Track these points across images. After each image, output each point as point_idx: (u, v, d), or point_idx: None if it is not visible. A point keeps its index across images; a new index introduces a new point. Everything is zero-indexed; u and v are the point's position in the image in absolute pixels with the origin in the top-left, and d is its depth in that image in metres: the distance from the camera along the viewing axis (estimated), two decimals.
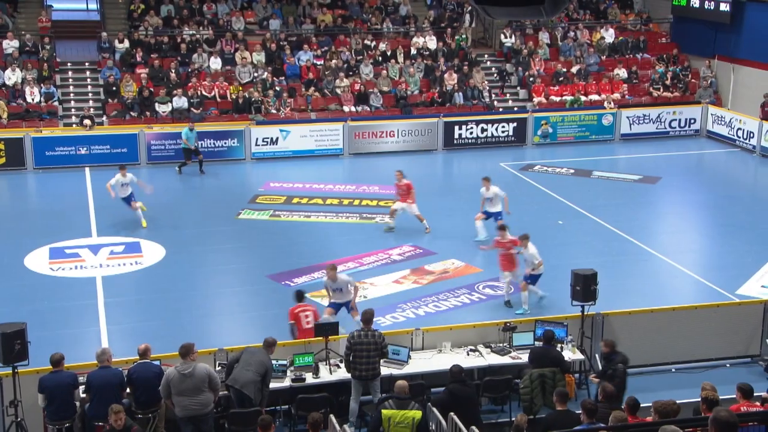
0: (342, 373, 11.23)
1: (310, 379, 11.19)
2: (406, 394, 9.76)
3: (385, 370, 11.18)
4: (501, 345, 12.11)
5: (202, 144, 23.80)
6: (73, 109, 25.91)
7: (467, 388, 10.43)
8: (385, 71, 28.25)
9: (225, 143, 24.79)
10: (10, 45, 26.11)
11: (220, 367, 10.94)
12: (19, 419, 9.90)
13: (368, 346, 10.86)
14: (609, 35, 30.81)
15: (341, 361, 11.30)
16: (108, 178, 18.89)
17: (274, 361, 10.98)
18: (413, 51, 29.12)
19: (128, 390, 10.16)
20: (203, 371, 9.94)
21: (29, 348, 10.10)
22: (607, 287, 13.23)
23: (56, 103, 25.36)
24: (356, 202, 21.11)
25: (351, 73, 28.07)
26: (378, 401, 10.47)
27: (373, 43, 29.49)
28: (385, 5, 31.24)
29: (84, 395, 9.99)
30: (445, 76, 27.95)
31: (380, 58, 28.78)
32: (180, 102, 25.70)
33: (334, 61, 28.01)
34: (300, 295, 13.01)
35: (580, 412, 9.11)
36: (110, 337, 13.52)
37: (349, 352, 10.85)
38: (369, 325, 11.09)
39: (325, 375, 11.31)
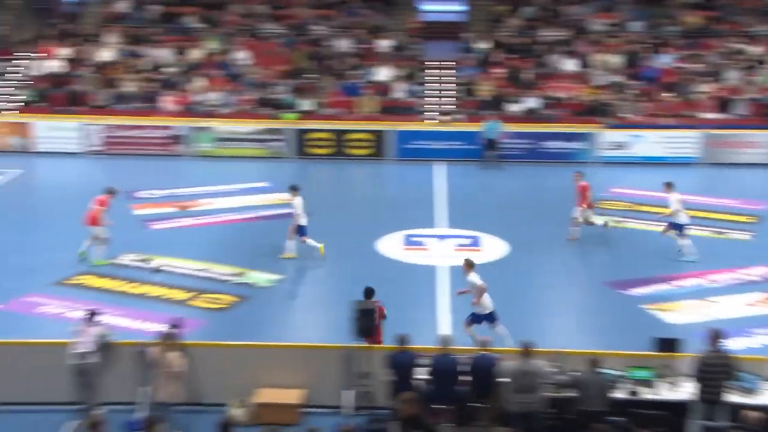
0: (682, 393, 10.69)
1: (646, 394, 10.80)
2: (757, 427, 9.07)
3: (732, 398, 10.45)
4: None
5: (545, 144, 23.88)
6: (433, 106, 27.47)
7: None
8: (754, 77, 26.14)
9: (572, 145, 24.69)
10: (384, 44, 28.34)
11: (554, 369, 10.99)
12: (368, 390, 10.79)
13: (718, 368, 10.22)
14: None
15: (682, 381, 10.75)
16: (461, 172, 19.77)
17: (608, 371, 10.79)
18: None
19: (467, 378, 10.57)
20: (541, 369, 10.07)
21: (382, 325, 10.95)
22: None
23: (419, 99, 27.08)
24: (709, 215, 19.87)
25: (715, 78, 26.39)
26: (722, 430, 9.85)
27: (744, 46, 27.41)
28: (763, 6, 28.85)
29: (425, 377, 10.59)
30: None
31: (750, 63, 26.68)
32: (531, 102, 26.07)
33: (697, 64, 26.53)
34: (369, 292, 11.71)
35: None
36: (450, 325, 14.16)
37: (699, 371, 10.29)
38: (716, 345, 10.43)
39: (664, 392, 10.84)
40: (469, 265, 13.01)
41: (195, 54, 28.00)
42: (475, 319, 12.82)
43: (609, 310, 14.74)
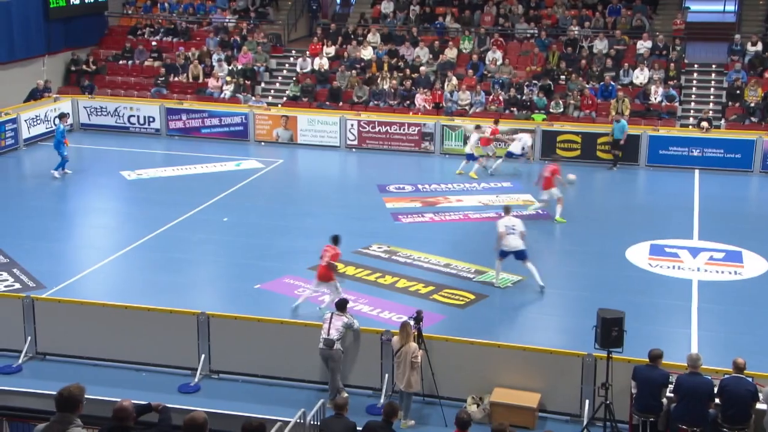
0: None
1: None
2: None
3: None
4: None
5: None
6: (692, 110, 26.02)
7: None
8: None
9: None
10: (644, 45, 27.26)
11: None
12: (608, 401, 10.49)
13: None
14: None
15: None
16: (719, 182, 18.55)
17: None
18: None
19: (717, 401, 9.97)
20: None
21: (624, 336, 10.59)
22: None
23: (677, 104, 25.77)
24: None
25: None
26: None
27: None
28: None
29: (671, 395, 10.11)
30: None
31: None
32: None
33: None
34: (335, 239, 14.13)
35: None
36: (700, 342, 13.39)
37: None
38: None
39: None
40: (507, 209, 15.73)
41: (449, 53, 28.56)
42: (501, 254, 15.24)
43: None
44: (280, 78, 29.70)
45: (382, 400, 11.55)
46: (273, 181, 22.95)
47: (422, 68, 27.96)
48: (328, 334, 11.52)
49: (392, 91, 27.44)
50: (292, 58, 30.11)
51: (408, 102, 27.13)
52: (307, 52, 29.60)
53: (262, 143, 26.39)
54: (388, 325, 13.07)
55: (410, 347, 11.06)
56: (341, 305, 11.87)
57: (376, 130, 25.86)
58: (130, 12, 32.88)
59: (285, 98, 28.42)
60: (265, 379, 12.27)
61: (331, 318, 11.70)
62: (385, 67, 28.23)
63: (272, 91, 29.26)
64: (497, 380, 11.50)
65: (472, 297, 15.10)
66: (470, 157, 22.94)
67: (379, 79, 27.85)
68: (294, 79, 28.84)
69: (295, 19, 32.74)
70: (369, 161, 25.11)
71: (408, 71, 27.90)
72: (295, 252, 17.22)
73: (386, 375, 11.68)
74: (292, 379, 12.19)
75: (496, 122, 23.98)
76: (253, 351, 12.31)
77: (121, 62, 30.19)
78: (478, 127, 23.16)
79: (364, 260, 16.76)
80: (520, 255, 15.17)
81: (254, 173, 23.23)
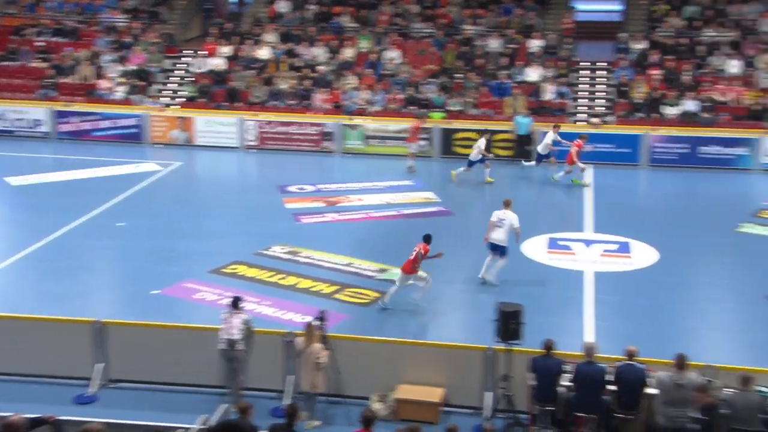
0: None
1: None
2: None
3: None
4: None
5: (703, 150, 22.98)
6: (584, 107, 26.83)
7: None
8: None
9: (732, 151, 23.52)
10: (536, 44, 27.95)
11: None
12: (509, 393, 10.70)
13: None
14: None
15: None
16: (610, 176, 19.21)
17: (765, 389, 10.21)
18: None
19: (612, 388, 10.29)
20: (695, 383, 9.66)
21: (523, 328, 10.82)
22: None
23: (568, 100, 26.53)
24: None
25: None
26: None
27: None
28: None
29: (570, 384, 10.38)
30: None
31: None
32: (689, 105, 25.01)
33: None
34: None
35: None
36: (596, 332, 13.81)
37: None
38: None
39: None
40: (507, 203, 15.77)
41: (347, 53, 28.59)
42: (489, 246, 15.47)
43: None
44: (175, 79, 29.07)
45: (285, 402, 11.45)
46: (171, 184, 22.47)
47: (321, 68, 27.89)
48: (230, 334, 11.33)
49: (291, 90, 27.26)
50: (189, 59, 29.51)
51: (307, 102, 27.01)
52: (203, 52, 29.09)
53: (159, 145, 25.79)
54: (291, 326, 12.97)
55: (314, 348, 11.01)
56: (236, 302, 11.68)
57: (276, 130, 25.66)
58: (13, 12, 31.52)
59: (181, 99, 27.85)
60: (166, 386, 11.99)
61: (229, 317, 11.50)
62: (283, 67, 28.03)
63: (168, 92, 28.62)
64: (402, 377, 11.57)
65: (376, 295, 15.15)
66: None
67: (277, 78, 27.62)
68: (192, 79, 28.29)
69: (188, 19, 32.09)
70: (269, 162, 24.88)
71: (307, 71, 27.77)
72: (194, 255, 16.90)
73: (290, 376, 11.59)
74: (193, 385, 11.96)
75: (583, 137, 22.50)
76: (153, 358, 12.02)
77: (4, 63, 28.93)
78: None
79: (265, 261, 16.59)
80: (495, 248, 15.41)
81: (151, 176, 22.68)
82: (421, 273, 14.36)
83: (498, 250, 15.43)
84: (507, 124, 24.80)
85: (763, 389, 10.17)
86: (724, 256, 17.30)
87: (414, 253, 14.27)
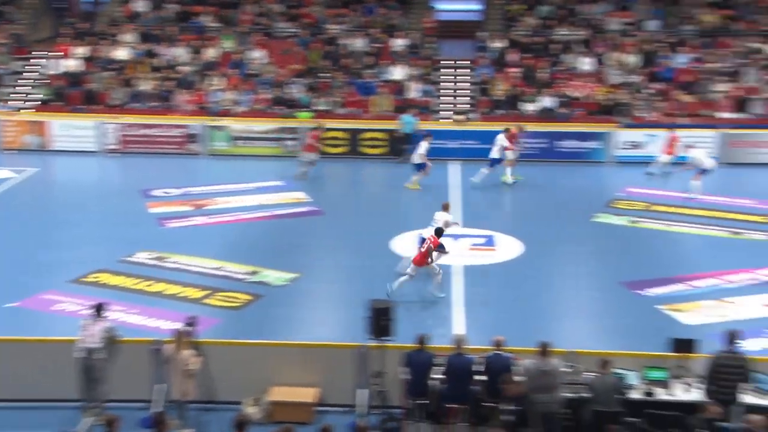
0: (696, 394, 10.63)
1: (661, 395, 10.74)
2: (763, 430, 9.02)
3: (747, 399, 10.38)
4: None
5: (561, 144, 23.92)
6: (449, 105, 27.40)
7: None
8: None
9: (588, 145, 24.61)
10: (399, 43, 28.33)
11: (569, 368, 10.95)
12: (383, 389, 10.79)
13: (732, 369, 10.16)
14: None
15: (697, 382, 10.69)
16: (476, 172, 19.66)
17: (623, 371, 10.75)
18: None
19: (482, 378, 10.54)
20: (558, 369, 10.03)
21: (394, 324, 10.93)
22: None
23: (433, 98, 27.04)
24: (726, 215, 19.75)
25: (732, 77, 26.24)
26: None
27: (762, 45, 27.25)
28: None
29: (442, 376, 10.58)
30: None
31: None
32: (546, 101, 26.01)
33: (714, 64, 26.40)
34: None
35: None
36: (465, 324, 14.14)
37: (712, 372, 10.23)
38: (732, 345, 10.39)
39: (678, 393, 10.78)
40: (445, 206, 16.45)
41: (210, 53, 28.08)
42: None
43: (625, 310, 14.68)
44: (26, 81, 27.68)
45: (154, 411, 11.11)
46: (26, 192, 21.41)
47: (183, 68, 27.27)
48: (89, 342, 10.88)
49: (152, 92, 26.52)
50: (41, 60, 28.17)
51: (170, 103, 26.35)
52: (56, 53, 27.85)
53: (11, 151, 24.52)
54: (159, 333, 12.61)
55: (184, 355, 10.74)
56: (98, 309, 11.25)
57: (138, 133, 24.90)
58: None
59: (35, 102, 26.57)
60: (26, 403, 11.41)
61: (89, 324, 11.05)
62: (144, 68, 27.22)
63: (19, 95, 27.22)
64: (275, 379, 11.48)
65: (249, 298, 14.96)
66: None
67: (137, 79, 26.81)
68: (45, 81, 27.04)
69: (38, 19, 30.60)
70: (131, 166, 24.11)
71: (168, 72, 27.09)
72: (53, 265, 16.17)
73: (159, 385, 11.26)
74: (55, 400, 11.43)
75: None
76: (9, 374, 11.41)
77: None
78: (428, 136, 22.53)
79: (130, 269, 16.07)
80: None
81: (3, 184, 21.53)
82: (433, 266, 14.87)
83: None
84: (375, 123, 25.00)
85: (620, 371, 10.70)
86: (582, 246, 18.07)
87: (425, 246, 14.75)
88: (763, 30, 28.06)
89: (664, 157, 22.75)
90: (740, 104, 25.61)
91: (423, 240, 15.41)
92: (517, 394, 10.10)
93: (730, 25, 28.52)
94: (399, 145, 24.55)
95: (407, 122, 24.51)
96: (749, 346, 12.86)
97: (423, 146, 22.11)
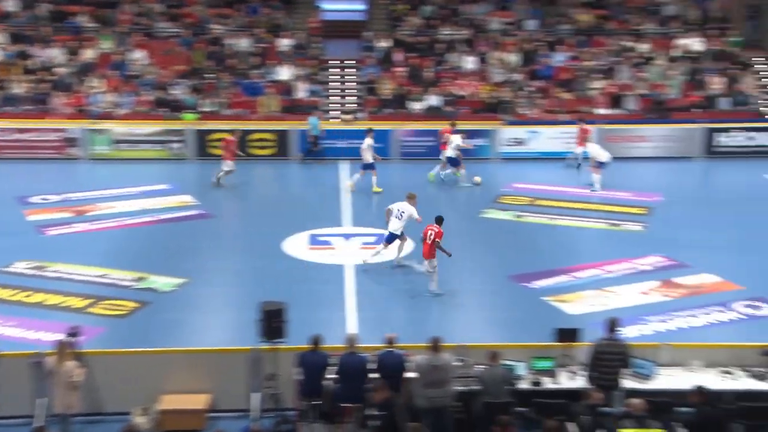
0: (581, 382, 11.00)
1: (548, 384, 11.07)
2: (643, 412, 9.45)
3: (628, 383, 10.82)
4: (761, 370, 11.26)
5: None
6: (336, 105, 27.43)
7: (718, 411, 9.84)
8: (643, 74, 27.21)
9: (474, 142, 25.09)
10: (285, 43, 28.14)
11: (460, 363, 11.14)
12: (276, 392, 10.69)
13: (613, 356, 10.57)
14: None
15: (581, 370, 11.08)
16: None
17: (512, 362, 11.03)
18: (676, 53, 27.78)
19: (375, 376, 10.57)
20: (450, 363, 10.18)
21: (287, 326, 10.85)
22: None
23: (321, 98, 27.00)
24: (604, 207, 20.55)
25: (607, 75, 27.32)
26: (614, 417, 10.18)
27: (633, 44, 28.49)
28: (649, 4, 30.08)
29: (336, 376, 10.56)
30: (711, 79, 26.39)
31: (639, 60, 27.76)
32: (433, 100, 26.38)
33: (589, 62, 27.42)
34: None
35: None
36: (357, 323, 14.18)
37: (594, 359, 10.62)
38: (613, 333, 10.80)
39: (564, 381, 11.14)
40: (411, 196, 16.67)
41: (88, 54, 27.15)
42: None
43: (513, 303, 15.05)
44: None
45: (36, 426, 10.67)
46: None
47: (59, 70, 26.27)
48: None
49: (26, 94, 25.43)
50: None
51: (46, 106, 25.33)
52: None
53: None
54: (40, 346, 12.09)
55: (67, 366, 10.34)
56: None
57: (12, 138, 23.83)
58: None
59: None
60: None
61: None
62: (17, 70, 26.07)
63: None
64: (164, 387, 11.20)
65: (135, 305, 14.55)
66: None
67: (10, 82, 25.65)
68: None
69: None
70: (5, 172, 23.05)
71: (43, 73, 26.04)
72: None
73: (40, 399, 10.80)
74: None
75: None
76: None
77: None
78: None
79: (6, 279, 15.38)
80: (388, 236, 16.35)
81: None
82: (432, 260, 15.01)
83: (389, 236, 16.39)
84: (261, 124, 24.78)
85: (509, 363, 10.97)
86: (470, 241, 18.41)
87: (431, 238, 14.96)
88: (634, 29, 29.34)
89: (578, 149, 23.48)
90: (615, 101, 26.68)
91: (393, 236, 16.20)
92: (383, 400, 10.12)
93: (604, 24, 29.69)
94: (309, 146, 24.52)
95: (313, 124, 24.41)
96: (628, 332, 13.48)
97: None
